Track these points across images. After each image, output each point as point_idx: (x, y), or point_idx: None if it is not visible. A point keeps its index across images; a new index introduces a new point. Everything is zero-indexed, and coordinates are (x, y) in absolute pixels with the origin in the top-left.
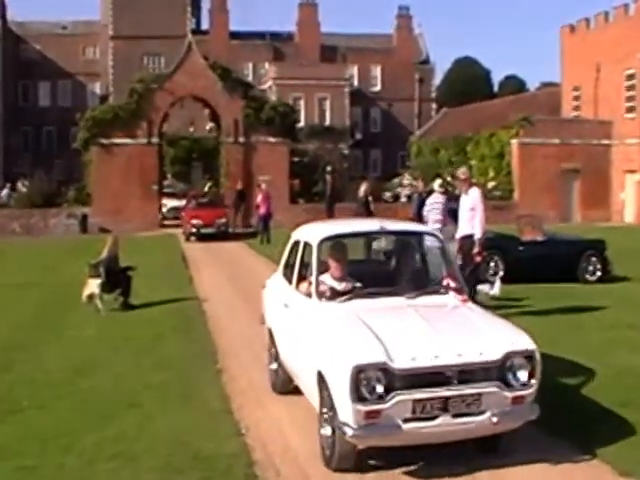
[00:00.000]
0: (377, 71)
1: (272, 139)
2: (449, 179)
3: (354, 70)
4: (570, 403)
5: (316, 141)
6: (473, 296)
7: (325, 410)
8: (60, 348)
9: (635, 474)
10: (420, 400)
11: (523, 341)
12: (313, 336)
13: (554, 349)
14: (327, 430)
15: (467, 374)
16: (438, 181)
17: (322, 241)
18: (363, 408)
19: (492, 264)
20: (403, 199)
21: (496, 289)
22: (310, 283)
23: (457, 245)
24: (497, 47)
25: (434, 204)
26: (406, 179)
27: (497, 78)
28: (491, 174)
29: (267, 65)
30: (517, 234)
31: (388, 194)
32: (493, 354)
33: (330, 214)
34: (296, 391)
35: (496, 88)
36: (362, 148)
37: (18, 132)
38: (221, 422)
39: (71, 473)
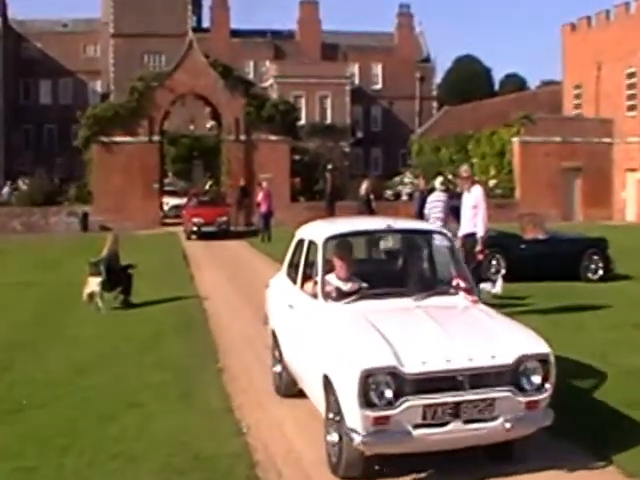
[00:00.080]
0: (378, 69)
1: (273, 137)
2: (450, 177)
3: (355, 68)
4: (579, 405)
5: (317, 139)
6: None
7: (331, 415)
8: (60, 347)
9: None
10: (431, 405)
11: (537, 344)
12: (319, 338)
13: (557, 349)
14: (334, 436)
15: (479, 378)
16: (439, 179)
17: (327, 240)
18: (372, 414)
19: (494, 262)
20: (404, 197)
21: (498, 287)
22: (315, 283)
23: (459, 243)
24: (498, 45)
25: (435, 202)
26: (407, 177)
27: (498, 76)
28: (492, 172)
29: (268, 63)
30: (519, 232)
31: (389, 192)
32: (506, 358)
33: (330, 212)
34: (301, 394)
35: (497, 86)
36: (363, 146)
37: (19, 130)
38: (222, 422)
39: (71, 474)
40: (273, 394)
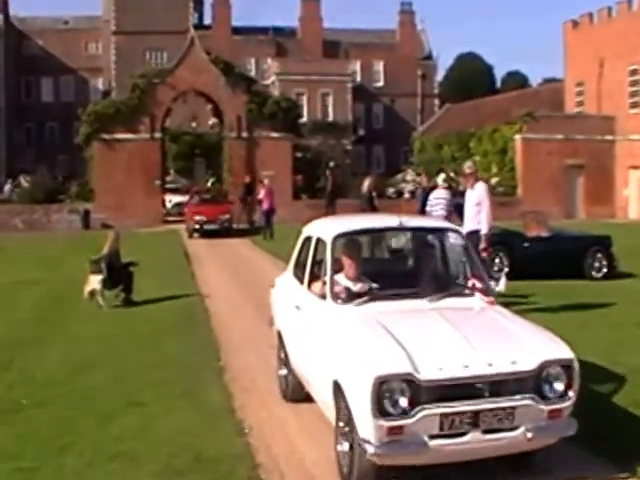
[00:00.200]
0: (380, 67)
1: (275, 134)
2: (452, 175)
3: (357, 66)
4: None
5: (319, 137)
6: None
7: (342, 424)
8: (61, 345)
9: None
10: (448, 415)
11: (560, 349)
12: (328, 342)
13: None
14: (344, 446)
15: (499, 386)
16: (442, 176)
17: (336, 237)
18: (385, 424)
19: (497, 260)
20: (406, 195)
21: (501, 285)
22: (324, 283)
23: None
24: (499, 43)
25: (438, 199)
26: (409, 175)
27: (500, 74)
28: (494, 170)
29: (269, 60)
30: (522, 230)
31: (391, 190)
32: (527, 363)
33: (331, 210)
34: (308, 399)
35: (499, 84)
36: (365, 144)
37: (21, 128)
38: (223, 422)
39: (71, 474)
40: (276, 393)
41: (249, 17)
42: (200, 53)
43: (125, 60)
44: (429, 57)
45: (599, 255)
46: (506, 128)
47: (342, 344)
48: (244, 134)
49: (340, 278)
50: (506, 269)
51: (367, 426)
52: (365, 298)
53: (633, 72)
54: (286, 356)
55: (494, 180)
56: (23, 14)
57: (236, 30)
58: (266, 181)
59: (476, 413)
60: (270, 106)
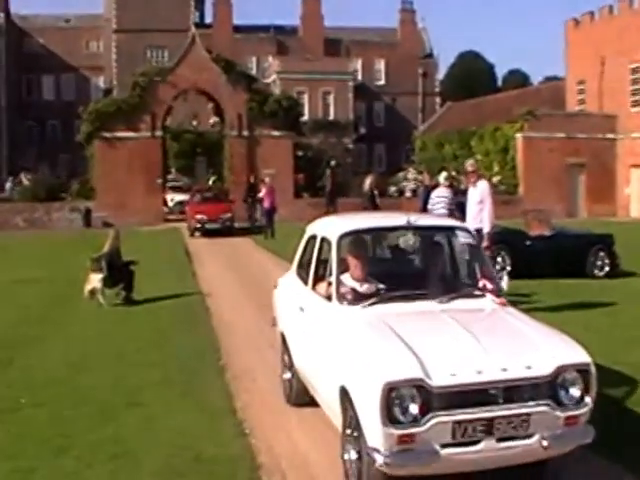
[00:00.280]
0: (381, 65)
1: (276, 133)
2: (454, 173)
3: (358, 64)
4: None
5: (320, 135)
6: None
7: (349, 432)
8: (61, 344)
9: None
10: (461, 422)
11: (576, 353)
12: (335, 346)
13: None
14: (352, 454)
15: (514, 391)
16: (444, 174)
17: (342, 237)
18: (395, 432)
19: (499, 259)
20: (408, 194)
21: (503, 284)
22: (329, 284)
23: None
24: (501, 41)
25: (440, 197)
26: (411, 173)
27: (501, 72)
28: (496, 169)
29: (271, 59)
30: (524, 229)
31: (393, 188)
32: (543, 368)
33: (332, 209)
34: (313, 403)
35: (500, 82)
36: (366, 142)
37: (22, 126)
38: (224, 422)
39: (69, 475)
40: (277, 393)
41: (250, 15)
42: (201, 51)
43: (126, 58)
44: (430, 55)
45: (601, 254)
46: (507, 127)
47: (349, 348)
48: (245, 133)
49: (346, 279)
50: (508, 268)
51: (376, 434)
52: (372, 300)
53: (634, 70)
54: (290, 359)
55: (495, 179)
56: (24, 12)
57: (237, 28)
58: (267, 179)
59: (490, 420)
60: (271, 104)
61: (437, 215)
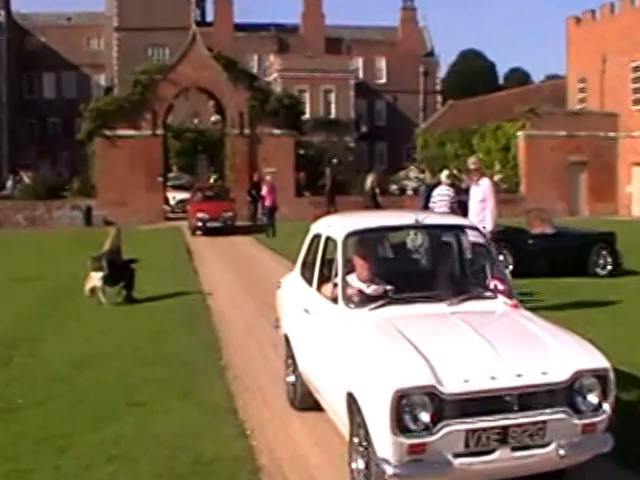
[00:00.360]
0: (382, 63)
1: (277, 131)
2: (456, 172)
3: (359, 62)
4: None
5: (321, 134)
6: None
7: (357, 440)
8: (61, 343)
9: None
10: (474, 430)
11: (594, 357)
12: (342, 350)
13: None
14: (359, 464)
15: (529, 398)
16: (445, 172)
17: (348, 236)
18: (406, 441)
19: (501, 257)
20: (409, 192)
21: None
22: (335, 285)
23: None
24: (502, 40)
25: (441, 196)
26: (412, 172)
27: (502, 71)
28: (497, 167)
29: (272, 57)
30: (526, 227)
31: (394, 187)
32: (559, 374)
33: (332, 208)
34: (318, 407)
35: (501, 81)
36: (367, 141)
37: (23, 124)
38: (225, 422)
39: (67, 477)
40: (279, 393)
41: (251, 13)
42: (202, 49)
43: (127, 56)
44: (431, 54)
45: (604, 252)
46: (509, 125)
47: (357, 352)
48: (246, 131)
49: (352, 280)
50: (510, 266)
51: (386, 444)
52: (380, 302)
53: (636, 69)
54: (294, 362)
55: (497, 177)
56: (25, 10)
57: (238, 27)
58: (268, 178)
59: (505, 429)
60: (272, 103)
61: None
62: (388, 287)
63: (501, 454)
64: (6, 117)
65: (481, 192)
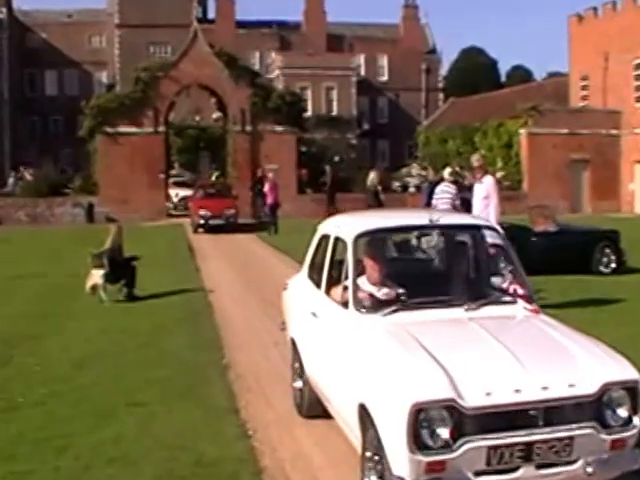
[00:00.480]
0: (384, 61)
1: (279, 128)
2: (458, 169)
3: (361, 60)
4: None
5: (323, 131)
6: None
7: (369, 454)
8: (61, 341)
9: None
10: (497, 447)
11: (623, 368)
12: (353, 358)
13: None
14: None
15: (555, 413)
16: (448, 169)
17: (359, 237)
18: (424, 459)
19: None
20: (411, 189)
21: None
22: (345, 289)
23: None
24: (504, 37)
25: (443, 193)
26: (414, 169)
27: (504, 68)
28: (499, 164)
29: (273, 54)
30: (529, 224)
31: (397, 184)
32: (587, 386)
33: (332, 207)
34: (327, 415)
35: (503, 78)
36: (369, 138)
37: (25, 121)
38: (226, 423)
39: (66, 479)
40: (281, 392)
41: (253, 11)
42: (203, 46)
43: (129, 53)
44: (433, 51)
45: (607, 250)
46: (511, 122)
47: (370, 361)
48: (248, 128)
49: (362, 283)
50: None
51: (402, 461)
52: (394, 307)
53: (638, 66)
54: (301, 367)
55: (499, 174)
56: (26, 7)
57: (240, 24)
58: (270, 175)
59: (529, 445)
60: (274, 100)
61: (441, 210)
62: (400, 290)
63: (525, 472)
64: (8, 114)
65: (484, 189)
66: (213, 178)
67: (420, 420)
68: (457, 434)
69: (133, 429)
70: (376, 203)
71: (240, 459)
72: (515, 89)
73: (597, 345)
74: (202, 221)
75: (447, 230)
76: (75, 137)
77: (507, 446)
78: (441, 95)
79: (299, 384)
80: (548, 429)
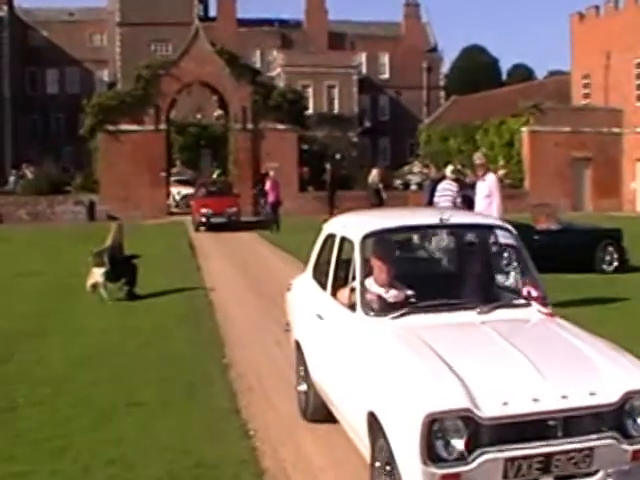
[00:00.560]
0: (385, 59)
1: (281, 126)
2: (459, 167)
3: (362, 58)
4: None
5: (324, 129)
6: None
7: (379, 464)
8: (62, 340)
9: None
10: (514, 459)
11: None
12: (362, 363)
13: None
14: None
15: (575, 423)
16: (450, 167)
17: (366, 237)
18: (438, 471)
19: (506, 254)
20: (413, 187)
21: (511, 280)
22: (352, 290)
23: None
24: (505, 35)
25: (445, 190)
26: (416, 167)
27: (505, 67)
28: (501, 162)
29: (275, 52)
30: (531, 223)
31: (398, 182)
32: (609, 395)
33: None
34: (332, 419)
35: (504, 77)
36: (371, 136)
37: (26, 120)
38: (227, 423)
39: None
40: (283, 392)
41: (254, 9)
42: (205, 44)
43: (130, 52)
44: (434, 49)
45: (610, 248)
46: (512, 120)
47: (379, 367)
48: (249, 126)
49: (370, 284)
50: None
51: (414, 474)
52: (404, 310)
53: None
54: (306, 370)
55: (501, 172)
56: (27, 5)
57: (241, 22)
58: (272, 173)
59: (548, 456)
60: (275, 98)
61: (442, 207)
62: (409, 292)
63: None
64: (9, 113)
65: (487, 187)
66: (214, 176)
67: (434, 431)
68: (473, 445)
69: (132, 430)
70: (377, 201)
71: (241, 460)
72: (516, 87)
73: (617, 351)
74: (204, 219)
75: (458, 230)
76: (76, 135)
77: (525, 458)
78: (442, 93)
79: (304, 387)
80: (567, 440)
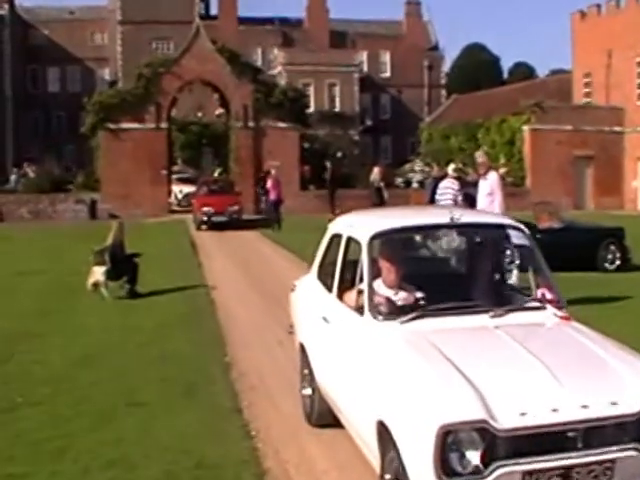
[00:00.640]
0: (386, 57)
1: (282, 124)
2: (461, 166)
3: (363, 56)
4: None
5: (326, 127)
6: None
7: (389, 477)
8: (62, 338)
9: None
10: (532, 472)
11: None
12: (370, 369)
13: None
14: None
15: (596, 434)
16: (452, 165)
17: (374, 238)
18: None
19: (508, 252)
20: (415, 185)
21: (514, 278)
22: (359, 293)
23: None
24: (506, 34)
25: (446, 188)
26: (417, 165)
27: (506, 65)
28: (502, 161)
29: (276, 51)
30: (533, 221)
31: (400, 180)
32: (631, 405)
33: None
34: (338, 424)
35: (505, 75)
36: (372, 134)
37: (28, 118)
38: (229, 423)
39: None
40: (285, 392)
41: (255, 7)
42: (206, 42)
43: (131, 50)
44: (436, 48)
45: (612, 247)
46: (514, 119)
47: (389, 375)
48: (251, 124)
49: (378, 286)
50: (517, 261)
51: None
52: (414, 314)
53: None
54: (311, 374)
55: (502, 170)
56: (28, 4)
57: (242, 20)
58: (273, 171)
59: (567, 469)
60: (277, 96)
61: (443, 205)
62: (418, 294)
63: None
64: (10, 111)
65: (489, 186)
66: (216, 174)
67: (448, 443)
68: (489, 458)
69: (133, 430)
70: (379, 199)
71: (243, 461)
72: (518, 86)
73: (637, 356)
74: (205, 218)
75: (469, 230)
76: (78, 133)
77: (543, 471)
78: (443, 92)
79: (308, 391)
80: (588, 452)
